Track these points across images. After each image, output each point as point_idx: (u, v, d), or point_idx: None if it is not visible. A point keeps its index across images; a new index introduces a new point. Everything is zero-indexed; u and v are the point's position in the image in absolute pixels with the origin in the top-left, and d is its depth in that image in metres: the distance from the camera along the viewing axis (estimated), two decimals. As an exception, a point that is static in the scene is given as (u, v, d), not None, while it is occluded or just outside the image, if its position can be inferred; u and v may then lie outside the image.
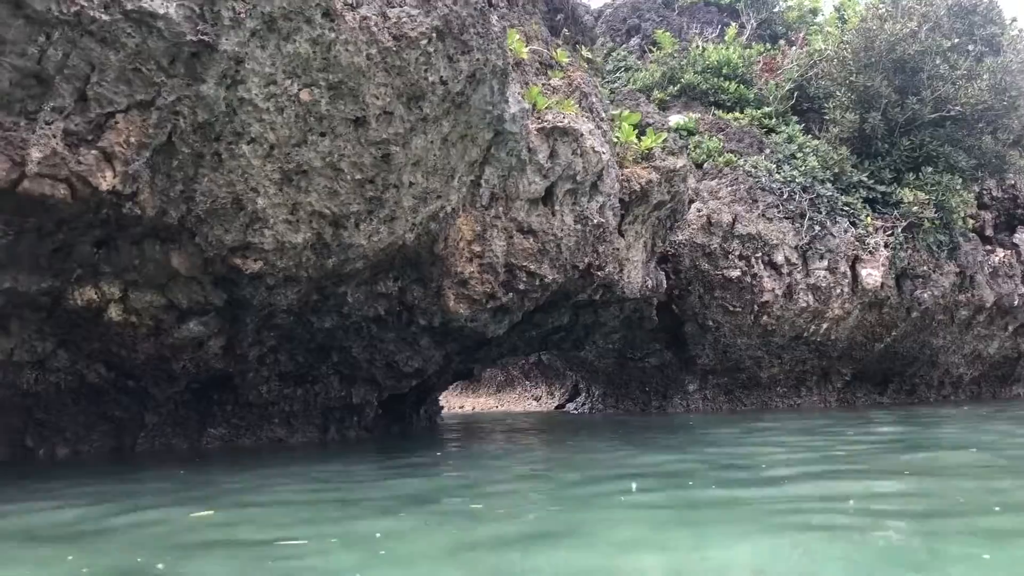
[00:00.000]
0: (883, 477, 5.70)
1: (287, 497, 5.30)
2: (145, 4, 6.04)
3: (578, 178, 9.49)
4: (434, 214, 8.35)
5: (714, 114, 18.49)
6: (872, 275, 15.97)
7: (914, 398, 18.96)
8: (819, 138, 17.94)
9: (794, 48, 20.32)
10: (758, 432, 9.99)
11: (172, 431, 9.13)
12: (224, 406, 9.40)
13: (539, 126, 8.98)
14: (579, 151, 9.34)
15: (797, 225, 15.74)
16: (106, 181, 6.44)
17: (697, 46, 20.52)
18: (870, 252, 16.09)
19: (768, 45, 21.34)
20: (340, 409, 10.20)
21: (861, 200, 16.87)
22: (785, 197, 15.92)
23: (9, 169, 6.24)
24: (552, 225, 9.48)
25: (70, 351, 8.08)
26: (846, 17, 21.81)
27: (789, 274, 15.62)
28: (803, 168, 16.71)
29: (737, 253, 15.39)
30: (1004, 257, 18.62)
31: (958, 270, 17.41)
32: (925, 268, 16.77)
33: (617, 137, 10.90)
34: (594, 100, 10.13)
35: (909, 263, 16.60)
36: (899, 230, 16.47)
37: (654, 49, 20.87)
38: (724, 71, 19.69)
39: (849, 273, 16.00)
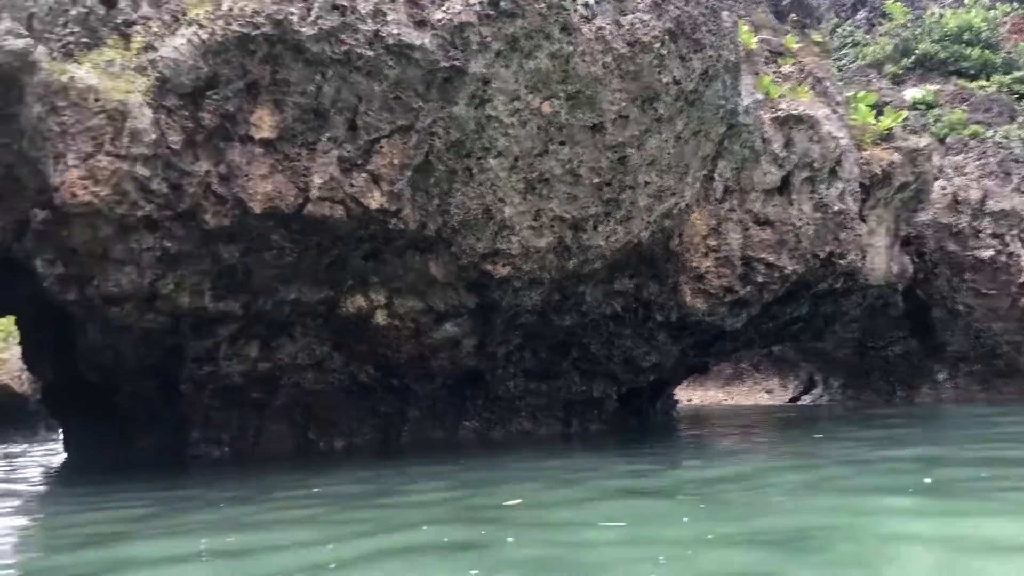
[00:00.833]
0: None
1: (597, 484, 5.45)
2: (404, 37, 6.66)
3: (815, 165, 9.25)
4: (668, 211, 8.48)
5: (956, 84, 17.19)
6: None
7: None
8: (1084, 100, 16.18)
9: (1049, 2, 18.44)
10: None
11: (431, 424, 9.88)
12: (476, 401, 10.03)
13: (773, 115, 8.87)
14: (816, 137, 9.11)
15: (1061, 198, 14.30)
16: (375, 200, 7.17)
17: (933, 13, 19.14)
18: None
19: (1015, 4, 19.47)
20: (581, 403, 10.56)
21: None
22: (1045, 168, 14.52)
23: (296, 195, 7.11)
24: (790, 215, 9.30)
25: (343, 353, 8.99)
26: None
27: (1053, 252, 14.21)
28: (1066, 135, 15.15)
29: (989, 231, 14.27)
30: None
31: None
32: None
33: (853, 119, 10.47)
34: (828, 84, 9.82)
35: None
36: None
37: (883, 21, 19.68)
38: (966, 36, 18.23)
39: (1123, 247, 14.30)
